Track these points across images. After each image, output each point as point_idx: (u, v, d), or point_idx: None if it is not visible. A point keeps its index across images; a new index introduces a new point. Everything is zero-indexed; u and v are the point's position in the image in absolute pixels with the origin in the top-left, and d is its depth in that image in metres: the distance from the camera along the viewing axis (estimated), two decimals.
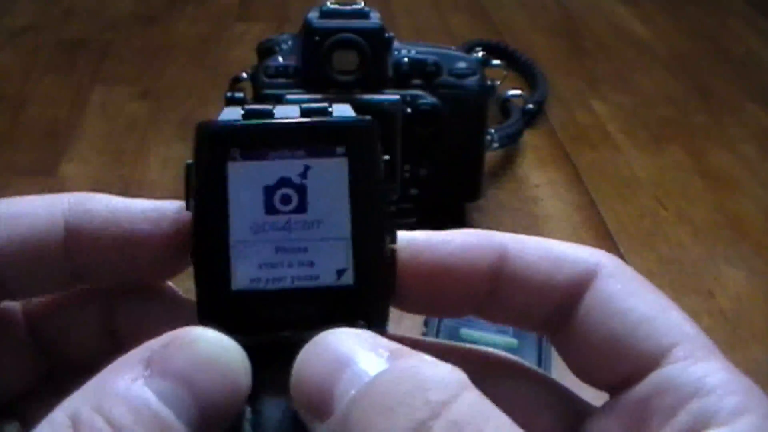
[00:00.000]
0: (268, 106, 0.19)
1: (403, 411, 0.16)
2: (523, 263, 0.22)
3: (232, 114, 0.19)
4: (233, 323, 0.18)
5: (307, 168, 0.18)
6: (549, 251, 0.22)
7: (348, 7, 0.60)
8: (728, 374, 0.20)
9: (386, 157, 0.19)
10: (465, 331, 0.53)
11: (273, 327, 0.19)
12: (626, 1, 1.13)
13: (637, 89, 0.91)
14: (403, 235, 0.21)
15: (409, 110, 0.61)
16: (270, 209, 0.18)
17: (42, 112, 0.81)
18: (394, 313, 0.21)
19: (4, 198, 0.22)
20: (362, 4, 0.60)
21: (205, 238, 0.18)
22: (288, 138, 0.18)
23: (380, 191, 0.19)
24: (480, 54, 0.70)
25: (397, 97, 0.61)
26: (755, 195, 0.74)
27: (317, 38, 0.59)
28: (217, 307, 0.19)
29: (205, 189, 0.18)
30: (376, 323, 0.19)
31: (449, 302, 0.22)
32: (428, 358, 0.18)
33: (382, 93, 0.61)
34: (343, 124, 0.19)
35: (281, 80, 0.61)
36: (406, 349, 0.18)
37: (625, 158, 0.78)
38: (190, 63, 0.92)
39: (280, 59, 0.61)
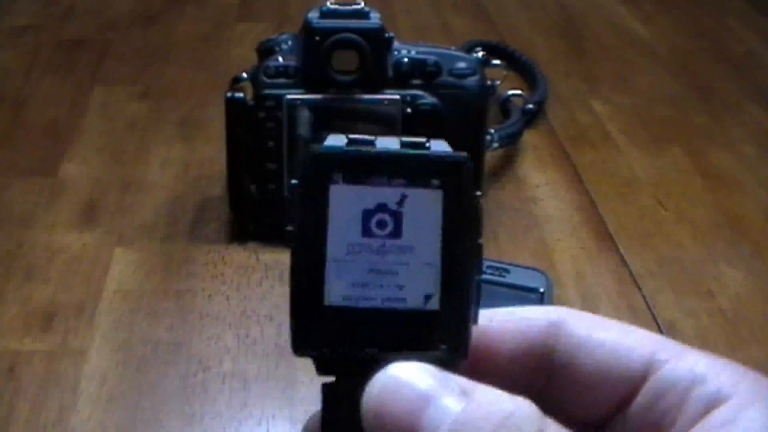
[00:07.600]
0: (371, 137, 0.20)
1: None
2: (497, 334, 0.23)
3: (337, 141, 0.20)
4: (323, 337, 0.20)
5: (404, 196, 0.19)
6: (513, 314, 0.23)
7: (348, 7, 0.60)
8: (709, 359, 0.22)
9: (479, 193, 0.20)
10: None
11: (359, 344, 0.20)
12: (626, 1, 1.13)
13: (637, 89, 0.91)
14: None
15: (409, 110, 0.61)
16: (366, 232, 0.19)
17: (42, 112, 0.81)
18: None
19: None
20: (362, 4, 0.60)
21: (303, 254, 0.20)
22: (388, 167, 0.20)
23: (471, 224, 0.20)
24: (480, 54, 0.69)
25: (397, 97, 0.61)
26: (755, 195, 0.74)
27: (317, 38, 0.59)
28: (309, 320, 0.20)
29: (307, 208, 0.19)
30: (458, 349, 0.20)
31: None
32: (500, 393, 0.19)
33: (382, 93, 0.61)
34: (441, 158, 0.20)
35: (281, 80, 0.61)
36: (472, 384, 0.19)
37: (625, 158, 0.78)
38: (190, 63, 0.92)
39: (280, 59, 0.61)
